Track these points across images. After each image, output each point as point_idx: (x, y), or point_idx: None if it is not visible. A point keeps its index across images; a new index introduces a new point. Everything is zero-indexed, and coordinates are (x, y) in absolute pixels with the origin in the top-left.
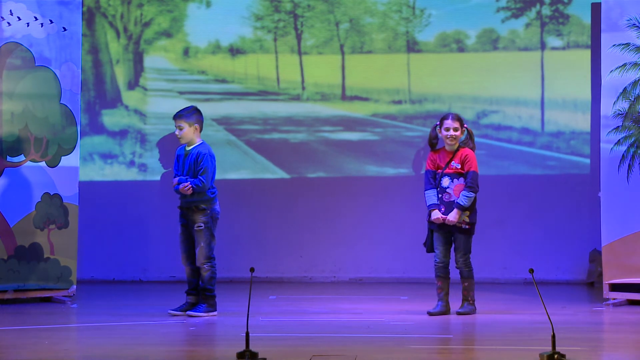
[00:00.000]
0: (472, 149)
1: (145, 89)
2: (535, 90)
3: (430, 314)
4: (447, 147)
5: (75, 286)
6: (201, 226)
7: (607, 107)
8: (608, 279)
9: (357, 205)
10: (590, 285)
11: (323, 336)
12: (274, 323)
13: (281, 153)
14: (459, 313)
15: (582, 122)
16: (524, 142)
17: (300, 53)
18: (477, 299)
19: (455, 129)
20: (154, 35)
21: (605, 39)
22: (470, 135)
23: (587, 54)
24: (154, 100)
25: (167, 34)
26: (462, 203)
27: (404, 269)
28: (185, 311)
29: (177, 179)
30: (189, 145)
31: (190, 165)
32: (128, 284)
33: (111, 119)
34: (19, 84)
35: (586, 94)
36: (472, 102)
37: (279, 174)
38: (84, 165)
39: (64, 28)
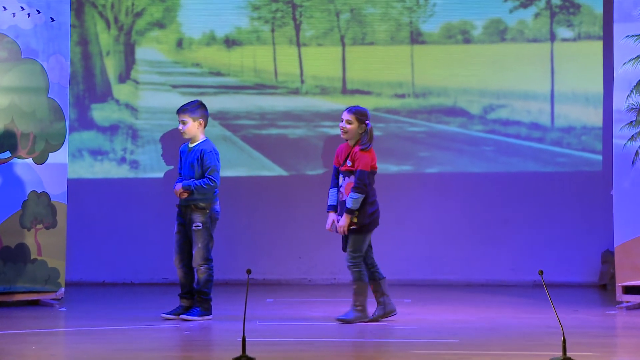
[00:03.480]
0: (364, 148)
1: (137, 82)
2: (545, 84)
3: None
4: (349, 142)
5: (63, 289)
6: (199, 226)
7: (620, 101)
8: (621, 281)
9: None
10: (603, 288)
11: (323, 341)
12: (271, 327)
13: (279, 149)
14: (337, 319)
15: (594, 116)
16: (533, 138)
17: (298, 44)
18: (484, 301)
19: (348, 122)
20: (146, 25)
21: (618, 30)
22: (368, 133)
23: (599, 45)
24: (146, 94)
25: (160, 25)
26: (348, 206)
27: (407, 270)
28: (179, 315)
29: (179, 183)
30: (192, 142)
31: (192, 163)
32: (119, 287)
33: (101, 113)
34: (5, 77)
35: (598, 87)
36: (478, 95)
37: (277, 171)
38: (73, 162)
39: (51, 18)
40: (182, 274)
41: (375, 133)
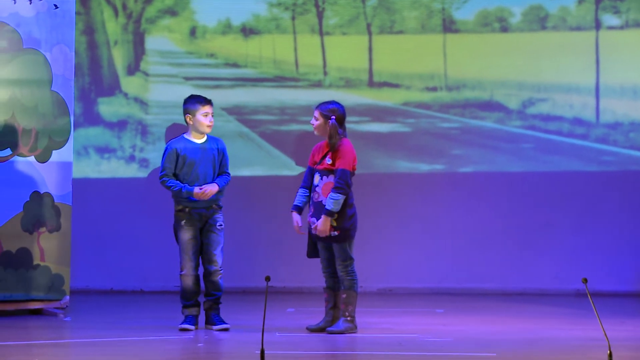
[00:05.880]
0: (332, 144)
1: (147, 75)
2: (589, 76)
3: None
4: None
5: (68, 297)
6: (222, 225)
7: None
8: None
9: (386, 205)
10: None
11: (347, 354)
12: (292, 339)
13: (300, 147)
14: (329, 331)
15: None
16: (577, 135)
17: (321, 33)
18: (524, 311)
19: (316, 118)
20: (156, 13)
21: None
22: (331, 131)
23: None
24: (156, 87)
25: (172, 12)
26: (328, 208)
27: (440, 277)
28: (214, 325)
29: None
30: (198, 139)
31: (211, 162)
32: (128, 295)
33: (108, 108)
34: (5, 68)
35: None
36: (517, 88)
37: (297, 170)
38: (78, 161)
39: (55, 5)
40: (193, 281)
41: (404, 129)
